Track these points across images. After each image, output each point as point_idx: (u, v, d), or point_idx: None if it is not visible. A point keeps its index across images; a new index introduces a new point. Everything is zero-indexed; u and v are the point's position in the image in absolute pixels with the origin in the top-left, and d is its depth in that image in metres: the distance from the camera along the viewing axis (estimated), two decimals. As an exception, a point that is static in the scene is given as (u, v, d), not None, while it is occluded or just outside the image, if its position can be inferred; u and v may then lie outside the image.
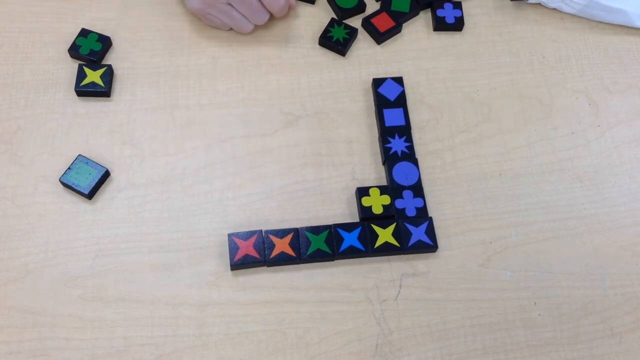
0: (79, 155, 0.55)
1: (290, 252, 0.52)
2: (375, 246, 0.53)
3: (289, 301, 0.52)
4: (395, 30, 0.64)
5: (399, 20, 0.64)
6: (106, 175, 0.55)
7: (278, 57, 0.62)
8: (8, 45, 0.61)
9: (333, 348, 0.50)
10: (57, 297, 0.51)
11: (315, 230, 0.53)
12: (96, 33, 0.61)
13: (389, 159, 0.57)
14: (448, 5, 0.65)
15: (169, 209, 0.55)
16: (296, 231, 0.53)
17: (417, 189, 0.55)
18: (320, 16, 0.65)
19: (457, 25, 0.64)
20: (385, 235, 0.53)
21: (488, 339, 0.51)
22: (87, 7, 0.63)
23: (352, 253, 0.53)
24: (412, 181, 0.56)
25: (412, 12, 0.65)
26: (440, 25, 0.64)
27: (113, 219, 0.54)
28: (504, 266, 0.54)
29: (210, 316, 0.51)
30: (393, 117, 0.59)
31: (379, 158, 0.58)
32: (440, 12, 0.64)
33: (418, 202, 0.55)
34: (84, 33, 0.61)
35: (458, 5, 0.65)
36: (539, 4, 0.66)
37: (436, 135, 0.59)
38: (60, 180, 0.54)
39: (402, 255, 0.54)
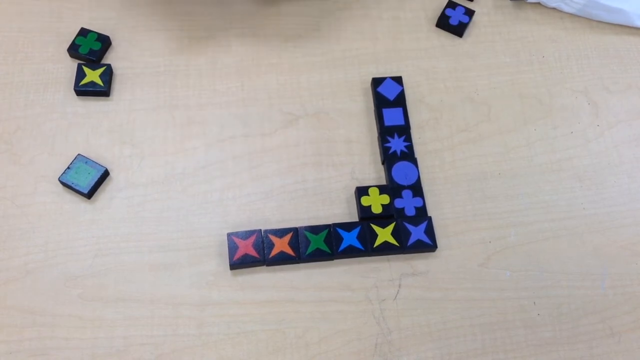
0: (79, 154, 0.55)
1: (290, 251, 0.52)
2: (375, 246, 0.53)
3: (288, 301, 0.52)
4: None
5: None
6: (105, 174, 0.55)
7: (278, 57, 0.62)
8: (8, 44, 0.61)
9: (332, 348, 0.50)
10: (56, 297, 0.51)
11: (315, 229, 0.53)
12: (95, 32, 0.61)
13: (389, 159, 0.57)
14: (460, 9, 0.64)
15: (169, 209, 0.55)
16: (295, 231, 0.53)
17: (417, 189, 0.55)
18: (319, 16, 0.65)
19: (458, 29, 0.64)
20: (384, 234, 0.53)
21: (488, 338, 0.51)
22: (86, 6, 0.63)
23: (351, 252, 0.53)
24: (411, 181, 0.56)
25: None
26: (442, 22, 0.64)
27: (113, 218, 0.54)
28: (504, 266, 0.54)
29: (210, 316, 0.51)
30: (392, 116, 0.59)
31: (378, 158, 0.58)
32: (448, 11, 0.64)
33: (417, 202, 0.55)
34: (84, 32, 0.61)
35: (469, 13, 0.64)
36: (539, 3, 0.66)
37: (436, 134, 0.59)
38: (59, 180, 0.54)
39: (402, 255, 0.54)
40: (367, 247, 0.53)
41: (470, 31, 0.65)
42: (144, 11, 0.64)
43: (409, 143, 0.57)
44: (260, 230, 0.53)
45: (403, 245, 0.53)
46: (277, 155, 0.58)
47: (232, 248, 0.52)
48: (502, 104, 0.61)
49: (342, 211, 0.56)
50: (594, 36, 0.66)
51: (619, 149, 0.60)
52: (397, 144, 0.57)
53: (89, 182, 0.54)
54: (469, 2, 0.67)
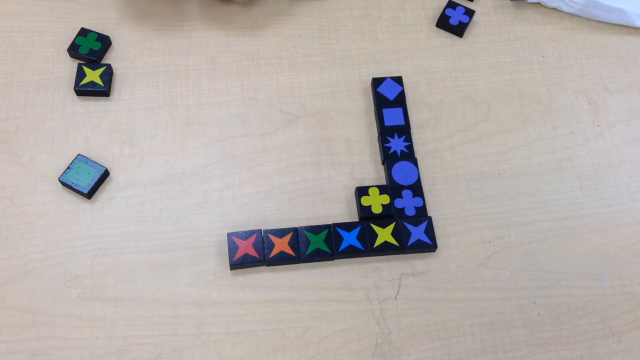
0: (79, 154, 0.55)
1: (290, 251, 0.52)
2: (375, 246, 0.53)
3: (288, 301, 0.52)
4: None
5: None
6: (105, 174, 0.55)
7: (277, 57, 0.62)
8: (7, 44, 0.61)
9: (332, 347, 0.50)
10: (56, 297, 0.51)
11: (315, 229, 0.53)
12: (95, 32, 0.61)
13: (389, 159, 0.57)
14: (460, 9, 0.64)
15: (169, 209, 0.55)
16: (295, 231, 0.53)
17: (417, 189, 0.56)
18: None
19: (458, 29, 0.64)
20: (384, 234, 0.53)
21: (487, 338, 0.51)
22: (86, 6, 0.64)
23: (351, 252, 0.53)
24: (411, 181, 0.56)
25: None
26: (442, 22, 0.64)
27: (112, 218, 0.54)
28: (503, 266, 0.54)
29: (210, 316, 0.51)
30: (392, 116, 0.59)
31: (378, 157, 0.58)
32: (448, 11, 0.64)
33: (417, 202, 0.55)
34: (84, 32, 0.61)
35: (469, 13, 0.64)
36: (539, 3, 0.66)
37: (435, 134, 0.59)
38: (59, 180, 0.54)
39: (402, 255, 0.54)
40: (367, 247, 0.53)
41: (470, 31, 0.65)
42: (144, 11, 0.64)
43: (409, 143, 0.57)
44: (260, 230, 0.53)
45: (403, 245, 0.53)
46: (277, 155, 0.58)
47: (232, 248, 0.52)
48: (502, 104, 0.61)
49: (342, 211, 0.56)
50: (594, 36, 0.66)
51: (618, 149, 0.60)
52: (397, 144, 0.57)
53: (89, 182, 0.54)
54: (469, 2, 0.67)
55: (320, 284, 0.53)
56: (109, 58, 0.61)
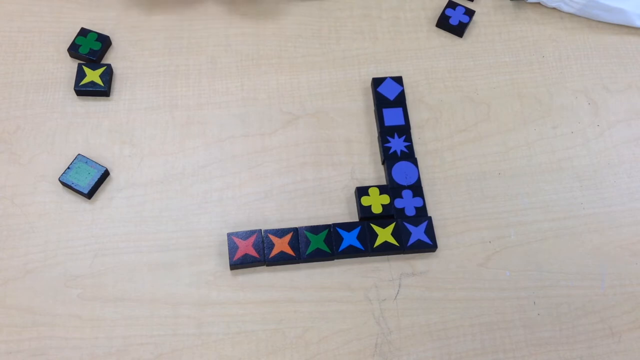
0: (79, 154, 0.55)
1: (290, 251, 0.52)
2: (375, 246, 0.53)
3: (288, 300, 0.52)
4: None
5: None
6: (105, 174, 0.55)
7: (277, 57, 0.62)
8: (7, 44, 0.61)
9: (332, 347, 0.50)
10: (56, 297, 0.51)
11: (315, 229, 0.53)
12: (96, 32, 0.61)
13: (389, 159, 0.57)
14: (460, 9, 0.64)
15: (169, 209, 0.55)
16: (295, 231, 0.53)
17: (417, 189, 0.56)
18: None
19: (458, 29, 0.64)
20: (384, 234, 0.53)
21: (487, 338, 0.51)
22: (86, 6, 0.64)
23: (351, 252, 0.53)
24: (411, 181, 0.56)
25: None
26: (442, 22, 0.64)
27: (112, 218, 0.54)
28: (503, 266, 0.54)
29: (210, 316, 0.51)
30: (392, 116, 0.59)
31: (378, 157, 0.58)
32: (448, 11, 0.64)
33: (417, 202, 0.55)
34: (84, 32, 0.61)
35: (469, 13, 0.64)
36: (539, 3, 0.66)
37: (435, 134, 0.59)
38: (59, 180, 0.54)
39: (402, 255, 0.54)
40: (367, 247, 0.53)
41: (470, 31, 0.65)
42: (144, 11, 0.64)
43: (409, 143, 0.57)
44: (260, 230, 0.53)
45: (403, 245, 0.53)
46: (277, 155, 0.58)
47: (232, 248, 0.52)
48: (502, 104, 0.61)
49: (342, 211, 0.56)
50: (594, 36, 0.66)
51: (618, 149, 0.60)
52: (397, 144, 0.57)
53: (89, 182, 0.54)
54: (469, 2, 0.67)
55: (320, 284, 0.53)
56: (109, 58, 0.61)
